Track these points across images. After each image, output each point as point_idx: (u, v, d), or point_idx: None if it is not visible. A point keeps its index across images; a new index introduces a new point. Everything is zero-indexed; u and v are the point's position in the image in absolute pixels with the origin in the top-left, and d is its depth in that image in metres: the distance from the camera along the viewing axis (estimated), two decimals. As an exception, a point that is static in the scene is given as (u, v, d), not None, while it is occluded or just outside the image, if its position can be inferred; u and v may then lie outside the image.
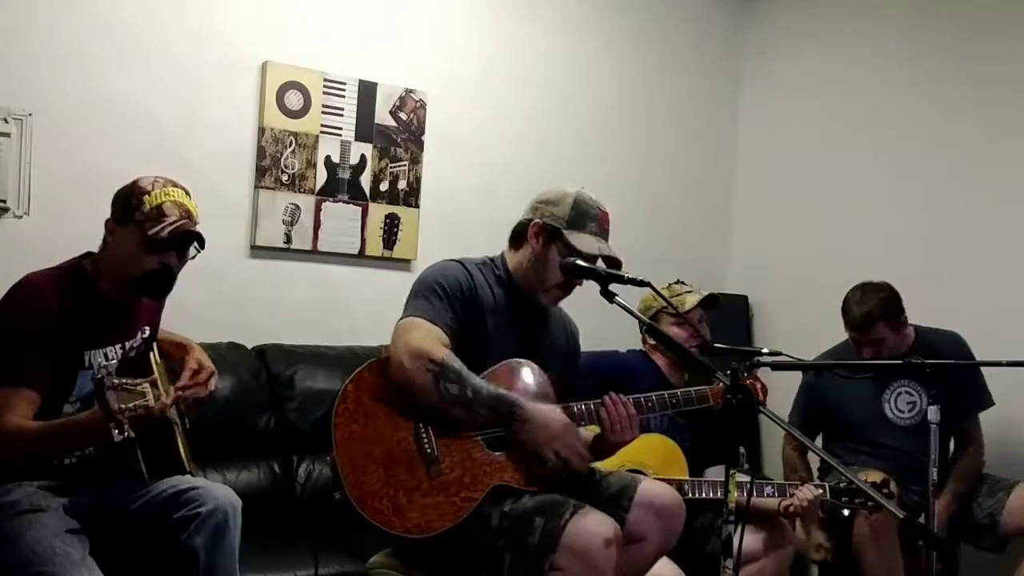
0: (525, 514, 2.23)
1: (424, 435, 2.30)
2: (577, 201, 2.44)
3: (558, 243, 2.42)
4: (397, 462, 2.26)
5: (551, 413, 2.35)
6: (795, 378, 3.60)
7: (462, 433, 2.34)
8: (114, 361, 2.41)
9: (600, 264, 2.38)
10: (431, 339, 2.29)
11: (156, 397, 2.12)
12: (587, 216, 2.43)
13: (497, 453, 2.36)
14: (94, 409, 2.12)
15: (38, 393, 2.24)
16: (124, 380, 2.25)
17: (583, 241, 2.40)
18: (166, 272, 2.36)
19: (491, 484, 2.31)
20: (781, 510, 2.88)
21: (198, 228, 2.38)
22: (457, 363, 2.28)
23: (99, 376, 2.32)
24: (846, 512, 2.90)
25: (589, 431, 2.48)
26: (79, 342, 2.32)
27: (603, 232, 2.46)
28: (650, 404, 2.51)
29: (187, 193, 2.40)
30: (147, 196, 2.31)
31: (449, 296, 2.38)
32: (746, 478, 2.38)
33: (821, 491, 2.88)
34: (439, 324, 2.33)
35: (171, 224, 2.30)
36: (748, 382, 1.98)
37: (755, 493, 2.77)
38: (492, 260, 2.54)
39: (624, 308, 2.25)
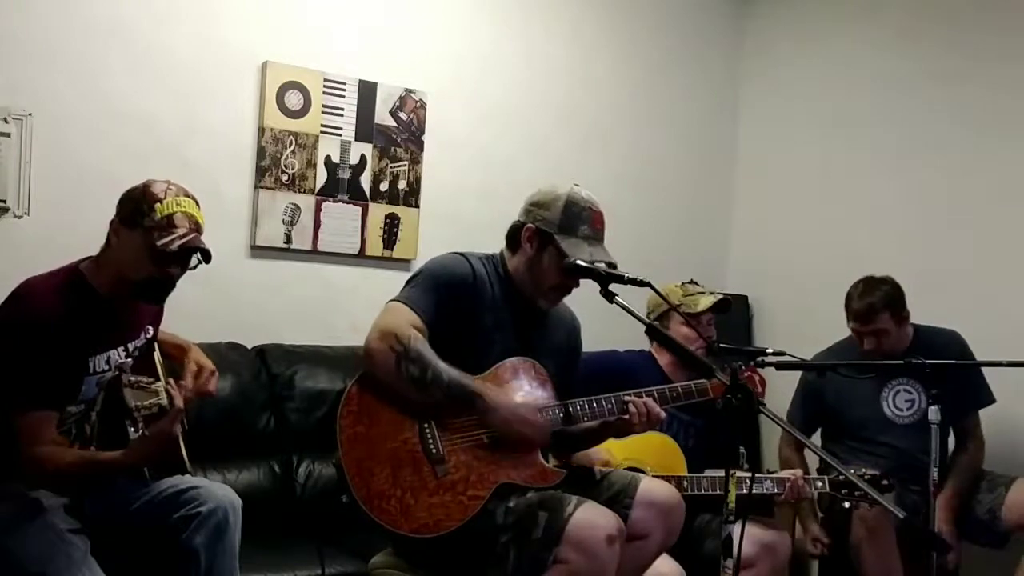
0: (528, 509, 2.24)
1: (429, 435, 2.30)
2: (568, 203, 2.41)
3: (551, 248, 2.40)
4: (403, 462, 2.26)
5: (512, 400, 2.36)
6: (796, 377, 3.60)
7: (467, 432, 2.34)
8: (127, 360, 2.41)
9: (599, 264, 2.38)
10: (403, 322, 2.29)
11: (169, 398, 2.13)
12: (579, 219, 2.40)
13: (501, 451, 2.36)
14: (128, 451, 2.24)
15: (58, 411, 2.27)
16: (139, 378, 2.27)
17: (575, 248, 2.37)
18: (166, 280, 2.34)
19: (497, 482, 2.31)
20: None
21: (204, 240, 2.36)
22: (423, 346, 2.26)
23: (116, 373, 2.33)
24: (846, 504, 2.89)
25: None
26: (83, 349, 2.31)
27: (596, 233, 2.43)
28: (653, 399, 2.53)
29: (197, 203, 2.36)
30: (159, 204, 2.28)
31: (441, 290, 2.36)
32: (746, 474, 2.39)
33: (821, 483, 2.88)
34: (418, 311, 2.31)
35: (181, 237, 2.27)
36: (747, 374, 1.98)
37: (753, 489, 2.77)
38: (494, 257, 2.54)
39: (624, 308, 2.25)
